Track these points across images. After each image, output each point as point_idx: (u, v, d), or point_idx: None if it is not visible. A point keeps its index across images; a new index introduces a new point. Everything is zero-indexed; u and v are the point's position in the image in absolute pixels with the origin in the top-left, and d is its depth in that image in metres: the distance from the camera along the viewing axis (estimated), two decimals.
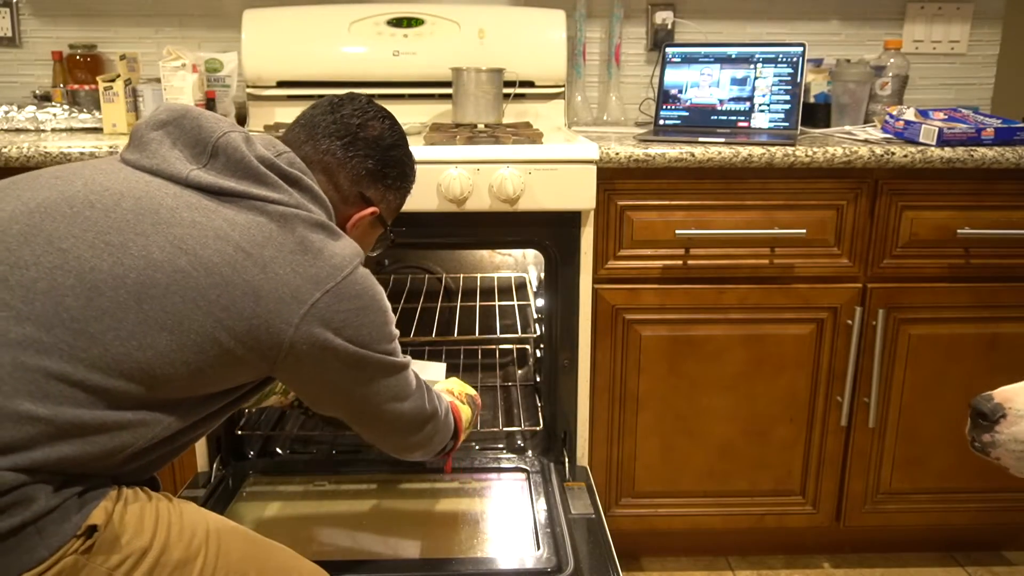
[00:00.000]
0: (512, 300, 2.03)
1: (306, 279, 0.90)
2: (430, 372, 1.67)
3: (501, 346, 2.08)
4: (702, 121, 1.77)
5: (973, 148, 1.55)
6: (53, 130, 1.78)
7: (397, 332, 1.04)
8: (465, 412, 1.29)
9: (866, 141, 1.64)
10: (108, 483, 0.84)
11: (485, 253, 2.13)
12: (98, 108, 1.79)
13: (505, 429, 1.74)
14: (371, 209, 1.09)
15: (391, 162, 1.10)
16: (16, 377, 0.76)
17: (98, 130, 1.78)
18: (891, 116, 1.68)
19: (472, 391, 1.38)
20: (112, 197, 0.86)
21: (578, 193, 1.48)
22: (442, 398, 1.18)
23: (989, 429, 0.94)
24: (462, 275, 2.12)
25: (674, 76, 1.80)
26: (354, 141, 1.06)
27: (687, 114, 1.79)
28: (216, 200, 0.89)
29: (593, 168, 1.47)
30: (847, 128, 1.83)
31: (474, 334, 1.86)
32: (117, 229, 0.83)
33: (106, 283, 0.80)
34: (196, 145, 0.93)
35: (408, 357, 1.07)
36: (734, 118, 1.75)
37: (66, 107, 1.83)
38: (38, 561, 0.76)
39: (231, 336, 0.86)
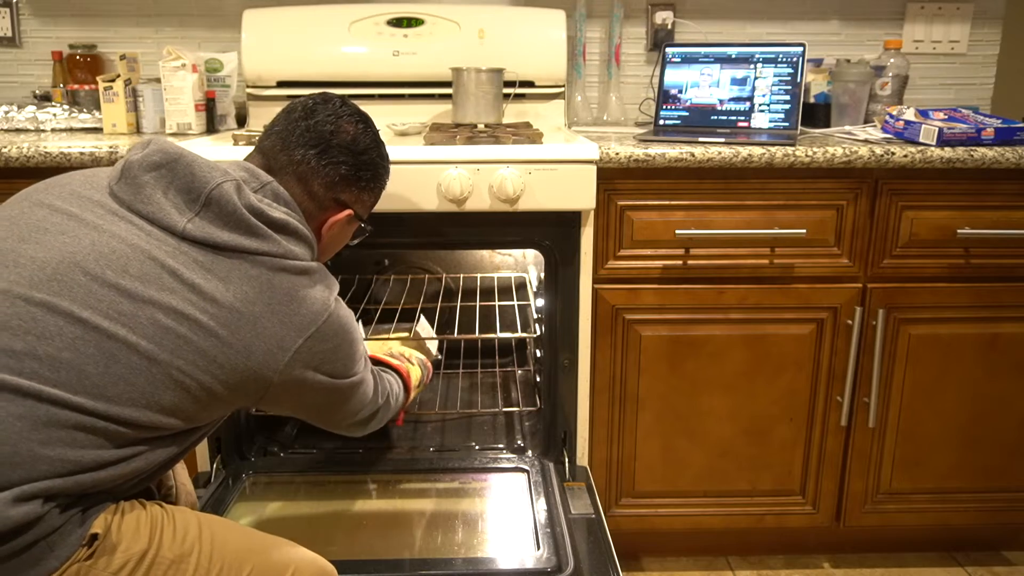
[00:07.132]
0: (512, 300, 2.03)
1: (290, 327, 0.98)
2: (423, 327, 1.79)
3: (501, 346, 2.08)
4: (702, 121, 1.77)
5: (973, 148, 1.55)
6: (53, 130, 1.78)
7: (363, 346, 1.13)
8: (415, 373, 1.44)
9: (866, 141, 1.64)
10: (106, 500, 0.91)
11: (485, 253, 2.13)
12: (98, 108, 1.79)
13: (504, 428, 1.74)
14: (346, 212, 1.15)
15: (364, 165, 1.15)
16: (49, 427, 0.84)
17: (98, 130, 1.78)
18: (891, 116, 1.68)
19: (422, 356, 1.54)
20: (120, 262, 0.91)
21: (578, 193, 1.48)
22: (390, 382, 1.29)
23: None
24: (462, 275, 2.12)
25: (674, 76, 1.80)
26: (327, 148, 1.10)
27: (687, 114, 1.79)
28: (211, 255, 0.95)
29: (593, 168, 1.47)
30: (847, 128, 1.83)
31: (474, 334, 1.86)
32: (129, 297, 0.90)
33: (121, 351, 0.88)
34: (189, 192, 0.97)
35: (366, 357, 1.16)
36: (734, 118, 1.75)
37: (66, 107, 1.84)
38: (48, 572, 0.83)
39: (223, 386, 0.95)
